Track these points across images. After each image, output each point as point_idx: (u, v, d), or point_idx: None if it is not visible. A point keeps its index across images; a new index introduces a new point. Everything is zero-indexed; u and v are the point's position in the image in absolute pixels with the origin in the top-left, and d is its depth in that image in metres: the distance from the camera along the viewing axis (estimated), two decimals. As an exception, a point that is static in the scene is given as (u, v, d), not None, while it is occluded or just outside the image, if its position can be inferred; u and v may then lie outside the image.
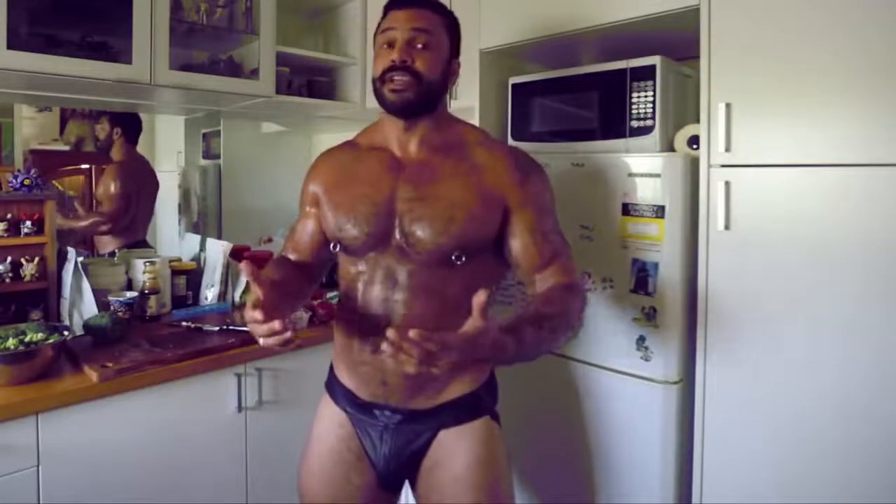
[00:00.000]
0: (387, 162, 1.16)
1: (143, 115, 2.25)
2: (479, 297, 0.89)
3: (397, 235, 1.10)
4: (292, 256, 1.28)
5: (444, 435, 1.14)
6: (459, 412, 1.14)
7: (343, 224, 1.13)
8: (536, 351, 1.03)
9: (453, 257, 1.08)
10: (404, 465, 1.16)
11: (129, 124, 2.19)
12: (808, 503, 1.19)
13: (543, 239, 1.12)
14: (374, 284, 1.12)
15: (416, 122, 1.14)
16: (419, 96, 1.10)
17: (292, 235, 1.28)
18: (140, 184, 2.21)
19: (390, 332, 0.82)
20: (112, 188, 2.15)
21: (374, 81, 1.14)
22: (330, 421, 1.21)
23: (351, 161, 1.20)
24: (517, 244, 1.12)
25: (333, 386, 1.23)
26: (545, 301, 1.08)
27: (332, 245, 1.18)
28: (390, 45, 1.11)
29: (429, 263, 1.09)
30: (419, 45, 1.10)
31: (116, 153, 2.18)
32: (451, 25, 1.17)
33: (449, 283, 1.10)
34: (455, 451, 1.13)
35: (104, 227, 2.13)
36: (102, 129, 2.17)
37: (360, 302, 1.13)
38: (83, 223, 2.12)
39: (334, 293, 1.98)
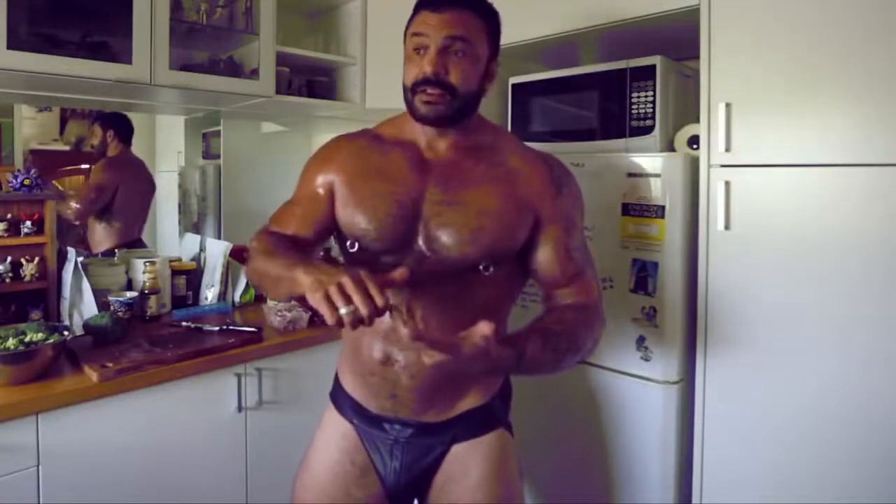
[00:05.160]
0: (414, 159, 1.08)
1: (143, 116, 2.25)
2: (485, 330, 0.83)
3: (420, 240, 1.03)
4: (285, 228, 1.12)
5: (457, 449, 1.09)
6: (473, 425, 1.10)
7: (362, 221, 1.05)
8: (536, 368, 0.99)
9: (481, 267, 1.03)
10: (415, 480, 1.11)
11: (120, 125, 2.19)
12: (807, 503, 1.19)
13: (568, 256, 1.07)
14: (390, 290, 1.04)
15: (447, 127, 1.07)
16: (453, 109, 1.02)
17: (291, 213, 1.13)
18: (127, 180, 2.19)
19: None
20: (91, 178, 2.15)
21: (404, 89, 1.06)
22: (334, 433, 1.16)
23: (374, 153, 1.10)
24: (541, 258, 1.07)
25: (339, 397, 1.18)
26: (557, 320, 1.03)
27: (349, 243, 1.08)
28: (421, 51, 1.02)
29: (452, 271, 1.03)
30: (454, 54, 1.01)
31: (111, 153, 2.19)
32: (491, 24, 1.06)
33: (472, 290, 1.05)
34: (469, 466, 1.08)
35: (69, 212, 2.10)
36: (95, 134, 2.17)
37: None
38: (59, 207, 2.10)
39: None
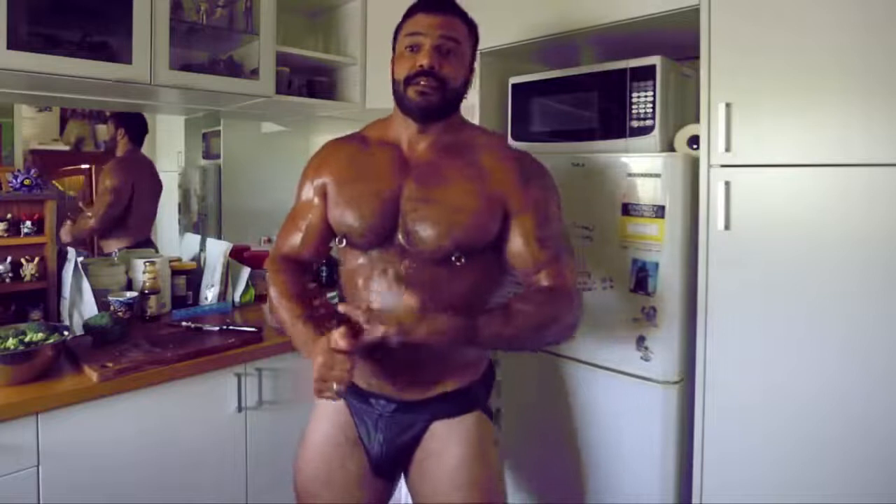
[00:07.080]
0: (395, 159, 1.18)
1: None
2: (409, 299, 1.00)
3: (400, 233, 1.13)
4: (296, 250, 1.25)
5: (436, 426, 1.17)
6: (451, 404, 1.17)
7: (349, 219, 1.15)
8: (496, 342, 1.09)
9: (453, 258, 1.11)
10: (397, 453, 1.19)
11: (134, 125, 2.19)
12: (807, 503, 1.19)
13: (540, 245, 1.13)
14: (374, 280, 1.14)
15: (431, 124, 1.17)
16: (442, 101, 1.13)
17: (296, 228, 1.25)
18: (138, 182, 2.19)
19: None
20: (104, 183, 2.14)
21: (395, 83, 1.16)
22: (327, 408, 1.24)
23: (361, 155, 1.21)
24: (513, 248, 1.15)
25: None
26: (520, 299, 1.11)
27: (338, 239, 1.19)
28: (415, 48, 1.12)
29: (430, 262, 1.12)
30: (445, 52, 1.12)
31: (119, 152, 2.19)
32: (473, 34, 1.19)
33: (450, 281, 1.13)
34: (447, 444, 1.16)
35: (92, 223, 2.11)
36: (108, 129, 2.18)
37: (359, 296, 1.16)
38: (77, 226, 2.09)
39: (334, 293, 1.98)
